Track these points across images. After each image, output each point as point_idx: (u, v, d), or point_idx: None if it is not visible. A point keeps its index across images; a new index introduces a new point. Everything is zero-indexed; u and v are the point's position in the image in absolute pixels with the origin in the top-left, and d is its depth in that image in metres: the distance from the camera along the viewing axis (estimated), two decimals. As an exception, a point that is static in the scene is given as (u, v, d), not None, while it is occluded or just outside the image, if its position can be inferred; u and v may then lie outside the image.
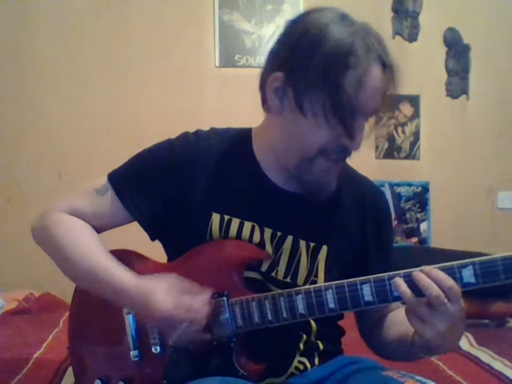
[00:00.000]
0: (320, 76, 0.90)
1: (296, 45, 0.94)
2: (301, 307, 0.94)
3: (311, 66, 0.91)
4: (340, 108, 0.91)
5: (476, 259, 0.86)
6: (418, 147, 3.03)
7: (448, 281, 0.85)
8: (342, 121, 0.92)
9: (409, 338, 0.94)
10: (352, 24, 0.93)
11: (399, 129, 3.02)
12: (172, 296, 0.92)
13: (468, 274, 0.86)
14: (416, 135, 3.03)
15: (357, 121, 0.94)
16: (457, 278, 0.86)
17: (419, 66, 2.93)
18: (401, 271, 0.89)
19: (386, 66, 0.94)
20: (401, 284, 0.87)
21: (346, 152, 0.98)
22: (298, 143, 0.97)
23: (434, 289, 0.84)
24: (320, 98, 0.91)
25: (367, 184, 1.14)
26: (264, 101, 1.02)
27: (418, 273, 0.87)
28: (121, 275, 0.98)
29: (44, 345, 1.71)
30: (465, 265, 0.86)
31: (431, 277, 0.85)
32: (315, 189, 1.03)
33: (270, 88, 0.97)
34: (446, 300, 0.84)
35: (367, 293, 0.91)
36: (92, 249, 1.02)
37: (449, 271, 0.86)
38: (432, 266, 0.87)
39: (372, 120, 0.99)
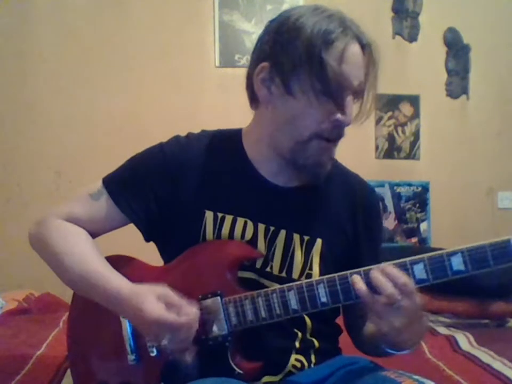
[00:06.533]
0: (304, 55, 0.94)
1: (278, 35, 0.98)
2: (293, 302, 0.95)
3: (294, 49, 0.95)
4: (326, 82, 0.94)
5: (464, 246, 0.86)
6: (418, 147, 3.03)
7: (401, 278, 0.86)
8: (331, 95, 0.95)
9: (376, 334, 0.96)
10: (326, 10, 0.98)
11: (399, 129, 3.02)
12: (159, 308, 0.92)
13: (457, 262, 0.86)
14: (416, 135, 3.03)
15: (345, 95, 0.96)
16: (447, 266, 0.87)
17: (419, 66, 2.94)
18: (362, 268, 0.90)
19: (365, 45, 0.98)
20: (357, 281, 0.88)
21: (339, 129, 0.99)
22: (292, 127, 0.99)
23: (387, 287, 0.85)
24: (307, 77, 0.95)
25: (357, 180, 1.16)
26: (252, 98, 1.05)
27: (373, 271, 0.88)
28: (117, 281, 0.99)
29: (44, 345, 1.71)
30: (454, 253, 0.87)
31: (385, 274, 0.87)
32: (310, 174, 1.04)
33: (257, 80, 1.00)
34: (399, 297, 0.85)
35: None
36: (87, 256, 1.03)
37: (438, 259, 0.87)
38: (391, 262, 0.88)
39: (359, 100, 1.01)
